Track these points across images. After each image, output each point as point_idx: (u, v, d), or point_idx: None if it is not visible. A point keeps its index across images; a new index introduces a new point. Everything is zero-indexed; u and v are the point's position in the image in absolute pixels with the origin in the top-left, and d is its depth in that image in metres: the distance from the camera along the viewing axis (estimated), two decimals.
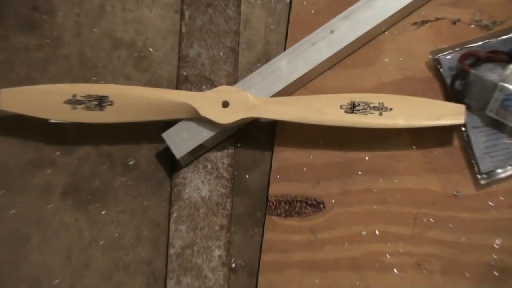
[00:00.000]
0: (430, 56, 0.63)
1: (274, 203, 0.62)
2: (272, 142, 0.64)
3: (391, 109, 0.59)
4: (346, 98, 0.59)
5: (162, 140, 0.61)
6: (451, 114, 0.58)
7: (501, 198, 0.59)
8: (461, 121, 0.58)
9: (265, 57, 0.68)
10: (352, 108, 0.59)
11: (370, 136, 0.62)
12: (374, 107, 0.59)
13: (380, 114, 0.59)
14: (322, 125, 0.60)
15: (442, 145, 0.62)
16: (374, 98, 0.59)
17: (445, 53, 0.63)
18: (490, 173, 0.60)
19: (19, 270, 0.61)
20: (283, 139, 0.64)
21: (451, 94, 0.62)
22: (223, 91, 0.61)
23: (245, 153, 0.65)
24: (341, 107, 0.59)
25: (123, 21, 0.68)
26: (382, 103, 0.59)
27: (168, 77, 0.67)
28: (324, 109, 0.59)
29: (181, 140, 0.61)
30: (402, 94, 0.61)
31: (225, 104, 0.60)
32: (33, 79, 0.67)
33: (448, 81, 0.62)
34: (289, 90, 0.64)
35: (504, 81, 0.58)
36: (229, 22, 0.66)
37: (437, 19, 0.65)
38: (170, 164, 0.64)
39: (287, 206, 0.62)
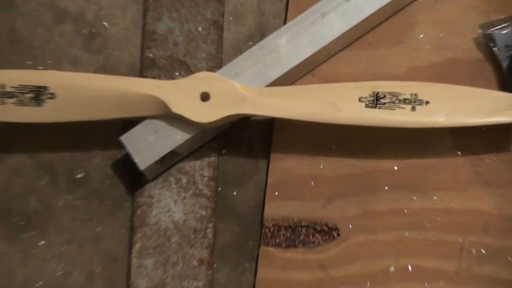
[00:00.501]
0: (479, 31, 0.60)
1: (271, 229, 0.58)
2: (268, 147, 0.61)
3: (427, 102, 0.55)
4: (367, 88, 0.56)
5: (121, 145, 0.57)
6: (508, 108, 0.54)
7: None
8: None
9: (259, 33, 0.64)
10: (375, 101, 0.55)
11: (400, 139, 0.59)
12: (404, 100, 0.55)
13: (413, 109, 0.55)
14: (335, 125, 0.56)
15: (496, 151, 0.58)
16: (404, 88, 0.55)
17: (500, 26, 0.59)
18: None
19: None
20: (282, 144, 0.60)
21: (508, 82, 0.58)
22: (202, 79, 0.57)
23: (232, 162, 0.61)
24: (360, 100, 0.55)
25: None
26: (415, 95, 0.55)
27: (128, 60, 0.64)
28: (338, 103, 0.55)
29: (146, 145, 0.57)
30: (442, 82, 0.57)
31: (205, 97, 0.56)
32: None
33: (504, 64, 0.58)
34: (290, 77, 0.61)
35: None
36: None
37: None
38: (131, 177, 0.60)
39: (288, 233, 0.58)
